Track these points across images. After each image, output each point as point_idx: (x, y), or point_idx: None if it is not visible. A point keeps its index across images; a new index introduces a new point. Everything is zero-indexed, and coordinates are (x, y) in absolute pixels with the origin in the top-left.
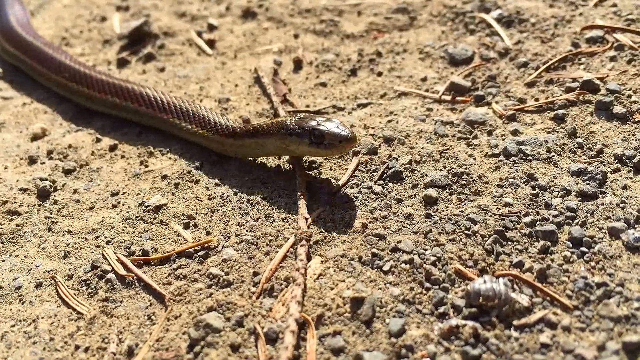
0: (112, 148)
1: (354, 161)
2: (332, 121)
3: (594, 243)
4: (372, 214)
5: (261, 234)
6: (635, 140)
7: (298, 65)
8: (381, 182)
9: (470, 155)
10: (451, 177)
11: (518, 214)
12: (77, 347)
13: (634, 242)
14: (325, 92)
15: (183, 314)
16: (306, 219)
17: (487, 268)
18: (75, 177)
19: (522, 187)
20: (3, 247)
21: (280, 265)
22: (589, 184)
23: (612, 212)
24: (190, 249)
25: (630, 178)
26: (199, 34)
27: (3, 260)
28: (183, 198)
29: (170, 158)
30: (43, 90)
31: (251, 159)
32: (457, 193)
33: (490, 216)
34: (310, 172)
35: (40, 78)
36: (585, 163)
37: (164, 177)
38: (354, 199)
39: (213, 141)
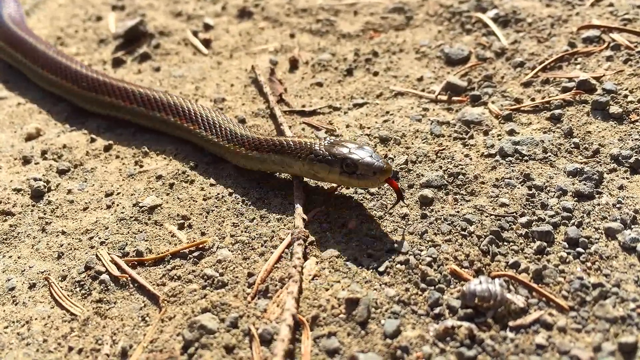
0: (107, 148)
1: None
2: (364, 149)
3: (590, 243)
4: (368, 215)
5: (256, 234)
6: (632, 140)
7: (294, 65)
8: None
9: (467, 156)
10: (447, 178)
11: (514, 214)
12: (70, 349)
13: (630, 242)
14: (321, 91)
15: (177, 315)
16: (303, 219)
17: (483, 269)
18: (70, 177)
19: (518, 188)
20: None
21: (275, 266)
22: (585, 184)
23: (609, 212)
24: (184, 250)
25: (627, 178)
26: (195, 33)
27: None
28: (178, 198)
29: (165, 158)
30: (38, 91)
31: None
32: (453, 193)
33: (486, 216)
34: None
35: (53, 88)
36: (581, 163)
37: (159, 177)
38: (350, 200)
39: (237, 154)
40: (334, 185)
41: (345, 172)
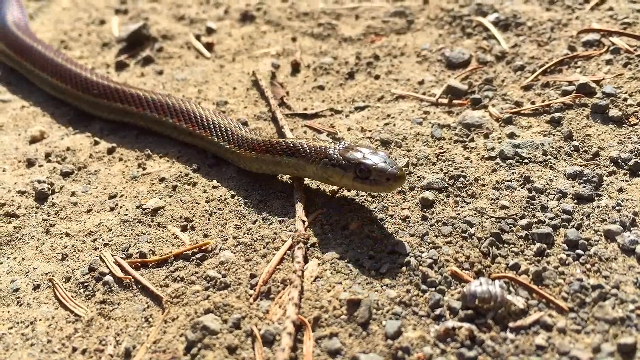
0: (110, 151)
1: None
2: (378, 154)
3: (590, 245)
4: (369, 217)
5: (258, 236)
6: (631, 143)
7: (296, 68)
8: None
9: (467, 158)
10: (448, 180)
11: (514, 216)
12: (74, 349)
13: (629, 244)
14: (322, 95)
15: (180, 316)
16: (303, 222)
17: (483, 270)
18: (73, 179)
19: (519, 190)
20: (1, 249)
21: (278, 267)
22: (584, 186)
23: (608, 214)
24: (187, 252)
25: (626, 181)
26: (198, 37)
27: (1, 263)
28: (181, 200)
29: (168, 161)
30: (41, 94)
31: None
32: (454, 196)
33: (487, 219)
34: None
35: (62, 95)
36: (581, 166)
37: (162, 179)
38: (351, 202)
39: (249, 158)
40: (335, 187)
41: (358, 177)
